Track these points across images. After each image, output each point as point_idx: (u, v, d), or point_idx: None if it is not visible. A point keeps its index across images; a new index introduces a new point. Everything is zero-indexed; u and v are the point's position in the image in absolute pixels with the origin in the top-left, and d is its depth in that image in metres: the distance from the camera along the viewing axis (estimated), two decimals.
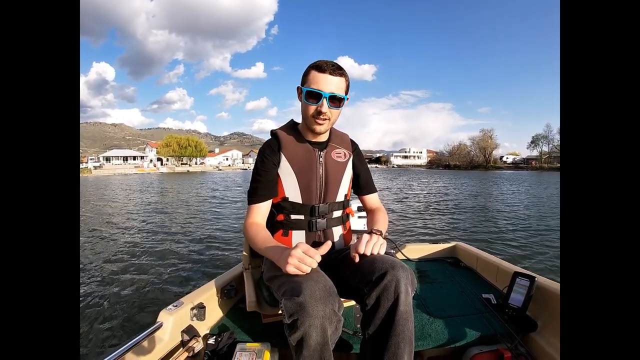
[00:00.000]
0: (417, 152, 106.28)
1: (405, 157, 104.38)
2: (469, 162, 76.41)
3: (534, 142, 74.71)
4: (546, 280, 1.26)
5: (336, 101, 1.05)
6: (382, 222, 1.17)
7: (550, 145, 72.03)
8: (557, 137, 69.26)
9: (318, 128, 1.08)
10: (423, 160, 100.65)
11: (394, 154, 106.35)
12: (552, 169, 60.45)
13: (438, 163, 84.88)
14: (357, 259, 0.95)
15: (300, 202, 1.11)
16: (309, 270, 0.84)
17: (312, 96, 1.03)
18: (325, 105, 1.03)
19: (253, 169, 1.14)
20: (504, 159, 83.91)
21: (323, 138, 1.16)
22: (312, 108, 1.04)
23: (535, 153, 75.49)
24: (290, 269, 0.84)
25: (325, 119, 1.06)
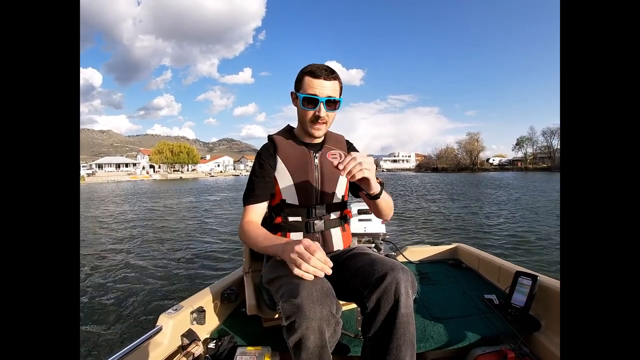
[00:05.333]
0: (405, 156, 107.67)
1: (394, 161, 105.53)
2: (456, 165, 77.73)
3: (519, 144, 76.92)
4: (549, 279, 1.26)
5: (332, 104, 1.07)
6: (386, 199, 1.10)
7: (535, 147, 74.19)
8: (541, 138, 71.61)
9: (317, 133, 1.10)
10: (412, 164, 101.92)
11: (383, 158, 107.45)
12: (537, 169, 62.21)
13: (426, 166, 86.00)
14: (335, 162, 0.89)
15: (297, 204, 1.11)
16: (302, 269, 0.79)
17: (308, 102, 1.05)
18: (322, 110, 1.05)
19: (250, 172, 1.15)
20: (491, 160, 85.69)
21: (318, 140, 1.17)
22: (309, 113, 1.06)
23: (520, 154, 77.55)
24: (293, 265, 0.80)
25: (323, 123, 1.08)
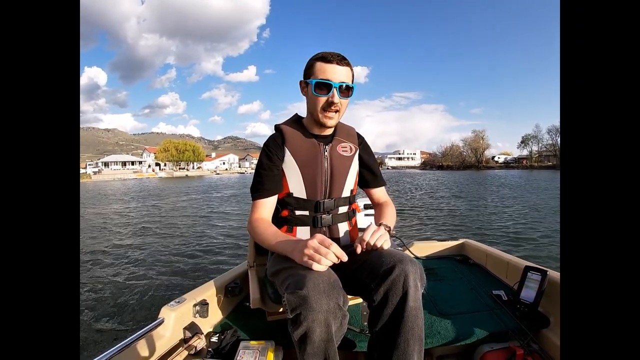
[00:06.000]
0: (410, 154, 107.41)
1: (400, 158, 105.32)
2: (461, 163, 77.25)
3: (524, 141, 76.47)
4: (558, 274, 1.23)
5: (345, 91, 1.03)
6: (390, 217, 1.14)
7: (540, 145, 73.65)
8: (547, 136, 71.21)
9: (329, 122, 1.06)
10: (417, 162, 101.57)
11: (388, 156, 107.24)
12: (542, 167, 61.81)
13: (431, 164, 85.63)
14: (359, 249, 0.93)
15: (305, 197, 1.08)
16: (322, 264, 0.80)
17: (321, 87, 1.01)
18: (336, 96, 1.01)
19: (257, 164, 1.11)
20: (496, 158, 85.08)
21: (329, 132, 1.13)
22: (322, 100, 1.02)
23: (525, 152, 77.04)
24: (304, 259, 0.82)
25: (336, 110, 1.04)
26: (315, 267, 0.80)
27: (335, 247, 0.82)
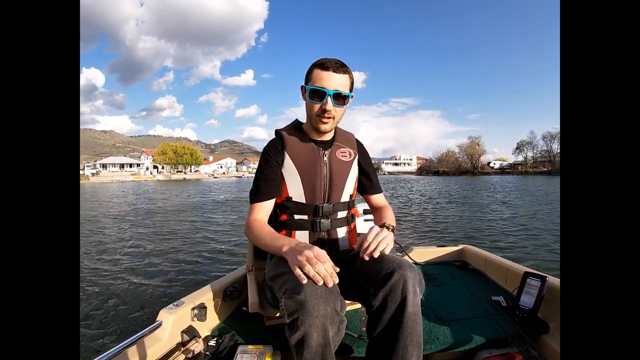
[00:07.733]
0: (407, 160, 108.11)
1: (396, 164, 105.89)
2: (457, 168, 77.74)
3: (519, 148, 77.36)
4: (558, 280, 1.23)
5: (340, 99, 1.03)
6: (391, 218, 1.14)
7: (535, 151, 74.60)
8: (541, 142, 72.08)
9: (323, 127, 1.06)
10: (413, 167, 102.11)
11: (385, 161, 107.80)
12: (537, 173, 62.35)
13: (427, 170, 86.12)
14: (366, 258, 0.89)
15: (304, 202, 1.09)
16: (309, 274, 0.76)
17: (316, 94, 1.02)
18: (329, 103, 1.01)
19: (257, 168, 1.12)
20: (492, 164, 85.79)
21: (328, 137, 1.14)
22: (316, 106, 1.03)
23: (520, 158, 77.88)
24: (298, 259, 0.78)
25: (330, 117, 1.04)
26: (298, 273, 0.77)
27: (328, 265, 0.78)
